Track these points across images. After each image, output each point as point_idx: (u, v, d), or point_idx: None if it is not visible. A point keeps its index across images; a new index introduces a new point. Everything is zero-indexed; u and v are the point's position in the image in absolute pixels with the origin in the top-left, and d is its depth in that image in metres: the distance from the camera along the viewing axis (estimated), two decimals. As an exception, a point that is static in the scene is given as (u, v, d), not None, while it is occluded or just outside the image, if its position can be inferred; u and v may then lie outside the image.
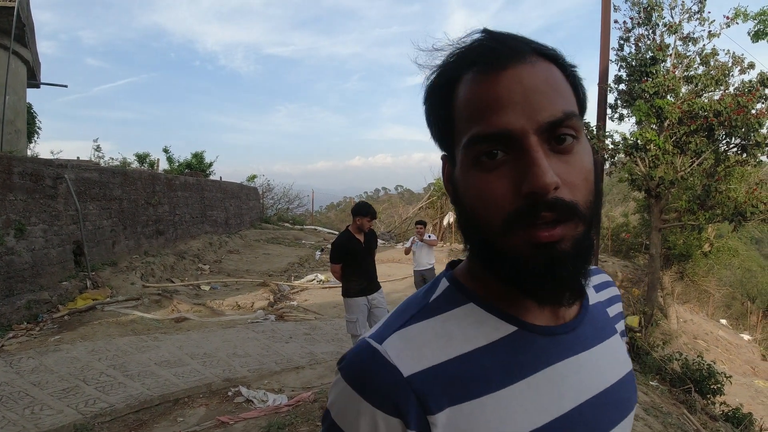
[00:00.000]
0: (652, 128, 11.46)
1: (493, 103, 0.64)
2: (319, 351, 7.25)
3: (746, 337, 24.72)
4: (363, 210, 5.84)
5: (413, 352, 0.68)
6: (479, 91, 0.66)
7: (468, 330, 0.70)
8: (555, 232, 0.63)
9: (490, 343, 0.70)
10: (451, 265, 0.83)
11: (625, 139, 12.00)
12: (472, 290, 0.75)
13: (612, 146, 12.04)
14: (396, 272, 14.03)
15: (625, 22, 12.66)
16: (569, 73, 0.70)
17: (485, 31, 0.70)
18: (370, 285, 5.81)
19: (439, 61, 0.73)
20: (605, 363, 0.78)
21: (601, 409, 0.74)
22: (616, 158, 12.41)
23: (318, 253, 17.82)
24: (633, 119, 12.31)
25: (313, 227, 26.37)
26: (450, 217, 22.01)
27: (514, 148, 0.64)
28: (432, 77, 0.74)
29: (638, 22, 12.43)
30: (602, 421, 0.74)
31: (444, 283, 0.77)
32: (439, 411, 0.65)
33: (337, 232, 23.81)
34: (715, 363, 10.42)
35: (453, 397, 0.66)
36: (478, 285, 0.75)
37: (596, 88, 11.67)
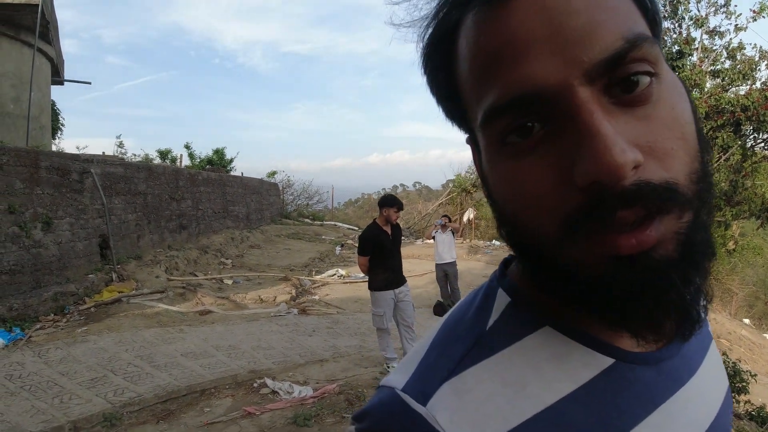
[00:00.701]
0: (677, 123, 11.34)
1: (506, 51, 0.42)
2: (343, 344, 7.27)
3: (770, 336, 24.38)
4: (390, 201, 5.83)
5: (475, 414, 0.45)
6: (484, 38, 0.44)
7: (548, 370, 0.48)
8: (646, 236, 0.40)
9: (579, 386, 0.47)
10: (506, 263, 0.59)
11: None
12: (544, 306, 0.51)
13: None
14: (416, 268, 14.01)
15: (650, 15, 12.56)
16: None
17: None
18: (397, 278, 5.80)
19: (428, 11, 0.51)
20: (710, 385, 0.57)
21: None
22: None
23: (338, 248, 17.88)
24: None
25: (332, 223, 26.51)
26: (470, 213, 21.97)
27: (554, 113, 0.41)
28: (425, 34, 0.51)
29: (664, 15, 12.28)
30: None
31: (502, 297, 0.54)
32: None
33: (356, 228, 24.01)
34: (740, 361, 10.29)
35: None
36: (550, 297, 0.51)
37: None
